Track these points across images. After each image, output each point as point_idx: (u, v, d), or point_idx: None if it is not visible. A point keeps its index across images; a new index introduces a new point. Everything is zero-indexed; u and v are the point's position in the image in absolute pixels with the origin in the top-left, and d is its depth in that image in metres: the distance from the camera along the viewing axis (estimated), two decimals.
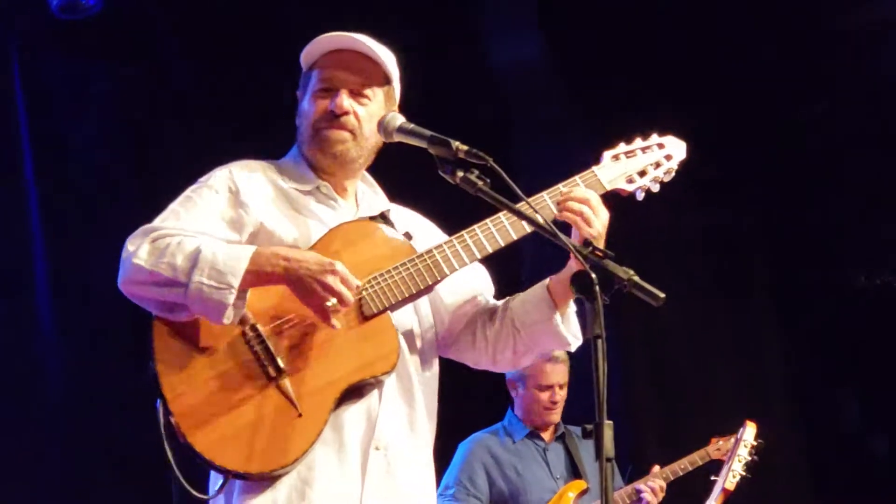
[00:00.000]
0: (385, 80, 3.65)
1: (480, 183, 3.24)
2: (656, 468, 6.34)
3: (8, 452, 6.71)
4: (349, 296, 3.30)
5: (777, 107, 7.71)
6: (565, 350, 3.68)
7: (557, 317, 3.59)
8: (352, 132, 3.57)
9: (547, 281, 3.63)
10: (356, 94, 3.58)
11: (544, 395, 6.33)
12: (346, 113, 3.55)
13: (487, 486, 6.21)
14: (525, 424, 6.39)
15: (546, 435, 6.41)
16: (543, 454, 6.35)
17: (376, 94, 3.62)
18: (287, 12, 7.16)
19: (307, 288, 3.30)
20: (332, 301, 3.28)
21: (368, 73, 3.61)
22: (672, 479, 6.32)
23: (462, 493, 6.16)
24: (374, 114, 3.58)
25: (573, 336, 3.64)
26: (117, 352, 6.36)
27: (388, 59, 3.63)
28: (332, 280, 3.28)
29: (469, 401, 5.85)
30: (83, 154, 7.05)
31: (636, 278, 3.07)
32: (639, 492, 6.23)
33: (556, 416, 6.37)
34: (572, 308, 3.64)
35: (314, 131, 3.59)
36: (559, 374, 6.32)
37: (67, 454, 6.80)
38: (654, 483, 6.26)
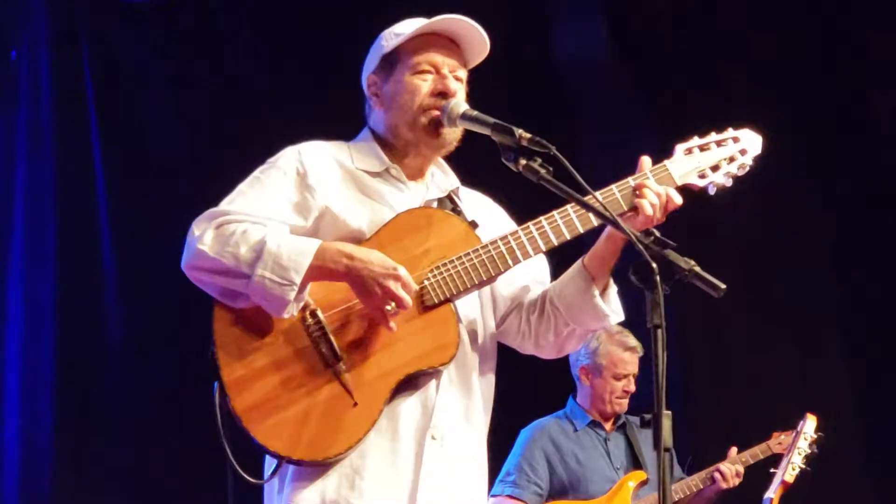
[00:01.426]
0: (465, 64, 3.67)
1: (543, 171, 3.24)
2: (734, 452, 6.32)
3: (72, 436, 6.81)
4: (409, 301, 3.32)
5: (854, 97, 7.63)
6: (605, 325, 3.66)
7: (593, 289, 3.56)
8: None
9: (582, 258, 3.61)
10: (455, 78, 3.59)
11: (620, 384, 6.32)
12: (454, 95, 3.55)
13: (548, 474, 6.22)
14: (588, 413, 6.38)
15: (607, 425, 6.40)
16: (604, 444, 6.34)
17: (464, 78, 3.65)
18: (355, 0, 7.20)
19: (368, 289, 3.31)
20: (392, 305, 3.31)
21: (460, 56, 3.63)
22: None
23: (523, 480, 6.17)
24: (464, 97, 3.60)
25: (612, 311, 3.61)
26: (179, 334, 6.42)
27: (487, 42, 3.63)
28: (393, 285, 3.30)
29: (524, 388, 5.86)
30: (151, 137, 7.12)
31: (697, 268, 3.07)
32: (714, 472, 6.23)
33: (625, 405, 6.37)
34: (613, 286, 3.62)
35: (420, 112, 3.56)
36: (636, 363, 6.34)
37: (126, 439, 6.88)
38: (733, 468, 6.25)
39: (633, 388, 6.34)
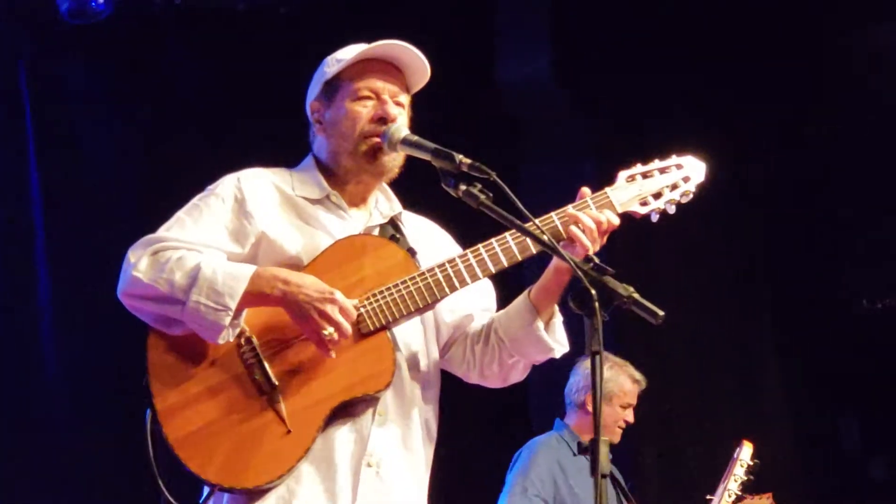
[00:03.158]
0: (407, 89, 3.67)
1: (483, 197, 3.24)
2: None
3: (7, 465, 6.74)
4: (347, 327, 3.31)
5: (782, 127, 7.73)
6: (549, 357, 3.63)
7: (538, 322, 3.55)
8: None
9: (528, 290, 3.60)
10: (396, 104, 3.59)
11: (624, 413, 6.34)
12: (395, 121, 3.54)
13: (553, 492, 6.16)
14: (583, 440, 6.35)
15: None
16: None
17: (406, 103, 3.64)
18: (299, 25, 7.20)
19: (305, 315, 3.31)
20: (330, 330, 3.30)
21: (401, 81, 3.63)
22: None
23: (533, 492, 6.08)
24: (406, 123, 3.60)
25: (557, 343, 3.60)
26: (115, 359, 6.38)
27: (427, 67, 3.63)
28: (330, 309, 3.29)
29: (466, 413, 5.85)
30: (89, 158, 7.07)
31: (636, 295, 3.06)
32: None
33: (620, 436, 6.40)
34: (558, 316, 3.61)
35: (361, 139, 3.55)
36: (636, 396, 6.40)
37: (63, 461, 6.81)
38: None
39: (632, 419, 6.37)
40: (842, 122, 7.76)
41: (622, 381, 6.34)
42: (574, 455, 6.30)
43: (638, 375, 6.38)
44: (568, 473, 6.25)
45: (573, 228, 3.46)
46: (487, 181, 3.22)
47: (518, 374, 3.71)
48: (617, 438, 6.37)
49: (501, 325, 3.63)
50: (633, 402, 6.38)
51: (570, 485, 6.22)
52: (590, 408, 6.34)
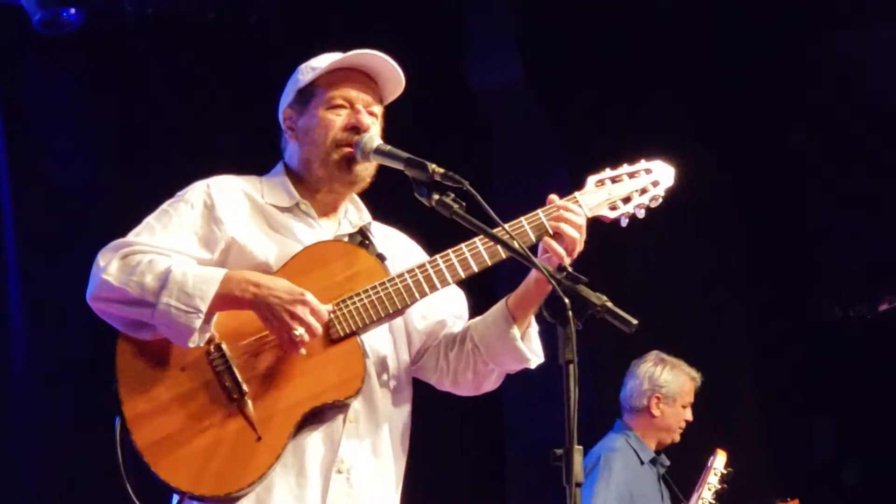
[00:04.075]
0: (381, 100, 3.67)
1: (456, 206, 3.24)
2: None
3: None
4: (317, 327, 3.31)
5: (753, 138, 7.75)
6: (524, 367, 3.61)
7: (515, 331, 3.54)
8: None
9: (506, 298, 3.60)
10: (369, 113, 3.59)
11: (685, 412, 6.33)
12: (368, 130, 3.54)
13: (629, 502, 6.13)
14: (648, 446, 6.33)
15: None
16: (659, 482, 6.31)
17: (380, 113, 3.64)
18: (270, 34, 7.19)
19: (276, 316, 3.30)
20: (300, 331, 3.29)
21: (375, 92, 3.63)
22: None
23: None
24: (379, 133, 3.60)
25: (533, 353, 3.59)
26: (86, 367, 6.34)
27: (402, 78, 3.64)
28: (301, 310, 3.29)
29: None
30: (61, 168, 7.04)
31: (609, 304, 3.07)
32: None
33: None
34: (534, 326, 3.60)
35: (334, 147, 3.55)
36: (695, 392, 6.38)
37: (31, 468, 6.77)
38: None
39: (691, 417, 6.35)
40: (819, 126, 7.78)
41: (682, 380, 6.34)
42: (641, 464, 6.26)
43: (694, 373, 6.38)
44: (641, 485, 6.18)
45: (563, 226, 3.45)
46: (460, 190, 3.23)
47: (491, 384, 3.70)
48: (678, 438, 6.36)
49: (477, 332, 3.62)
50: (692, 399, 6.37)
51: (646, 497, 6.17)
52: (654, 411, 6.34)
